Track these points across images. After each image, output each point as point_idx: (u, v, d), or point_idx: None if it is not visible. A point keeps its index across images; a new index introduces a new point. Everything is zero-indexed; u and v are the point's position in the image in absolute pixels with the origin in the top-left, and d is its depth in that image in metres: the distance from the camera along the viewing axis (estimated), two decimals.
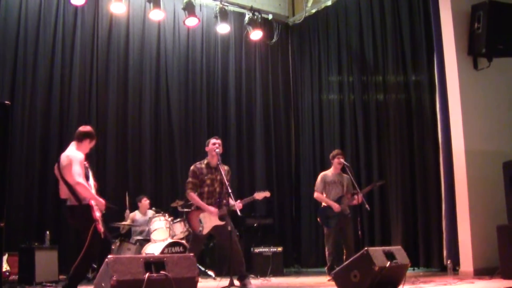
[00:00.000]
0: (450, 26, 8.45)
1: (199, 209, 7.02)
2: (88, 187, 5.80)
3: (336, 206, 8.25)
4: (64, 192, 5.94)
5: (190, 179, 7.07)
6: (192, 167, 7.14)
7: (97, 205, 5.83)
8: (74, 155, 5.89)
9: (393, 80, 10.45)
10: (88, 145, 6.16)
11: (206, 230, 6.93)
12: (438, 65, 8.94)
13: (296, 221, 12.22)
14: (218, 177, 7.09)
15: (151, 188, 10.65)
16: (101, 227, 5.78)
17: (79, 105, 10.22)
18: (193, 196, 7.00)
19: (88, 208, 5.75)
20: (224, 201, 7.04)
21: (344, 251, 8.24)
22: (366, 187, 8.69)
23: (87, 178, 5.96)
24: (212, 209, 6.93)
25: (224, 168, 7.03)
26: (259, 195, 7.24)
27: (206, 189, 7.06)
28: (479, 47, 8.23)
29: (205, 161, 7.17)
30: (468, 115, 8.25)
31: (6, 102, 3.44)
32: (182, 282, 4.66)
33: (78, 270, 5.75)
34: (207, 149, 7.19)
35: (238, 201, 6.88)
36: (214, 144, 7.09)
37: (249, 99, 12.34)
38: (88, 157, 6.20)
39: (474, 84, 8.41)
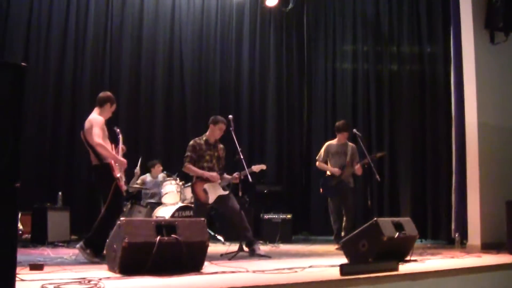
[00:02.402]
0: None
1: (201, 180, 7.06)
2: (107, 147, 6.07)
3: (335, 170, 8.34)
4: (91, 156, 6.21)
5: (189, 153, 7.07)
6: (191, 142, 7.16)
7: (119, 165, 6.13)
8: (94, 118, 6.18)
9: (408, 50, 10.41)
10: (109, 109, 6.40)
11: (211, 199, 7.01)
12: (454, 37, 8.85)
13: (306, 189, 12.27)
14: (216, 154, 7.17)
15: (163, 152, 10.71)
16: (123, 185, 6.14)
17: (92, 69, 10.28)
18: (191, 167, 7.03)
19: (108, 166, 6.04)
20: (223, 174, 7.16)
21: (344, 218, 8.33)
22: (365, 159, 8.41)
23: (116, 142, 6.43)
24: (214, 174, 7.01)
25: (220, 146, 7.21)
26: (255, 167, 7.25)
27: (205, 164, 7.10)
28: (497, 21, 8.13)
29: (204, 138, 7.19)
30: (482, 88, 8.19)
31: (22, 63, 3.45)
32: (193, 246, 4.73)
33: (100, 227, 5.97)
34: (210, 125, 7.18)
35: (236, 174, 6.99)
36: (220, 130, 7.14)
37: (263, 67, 12.27)
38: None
39: (490, 58, 8.32)
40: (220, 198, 7.04)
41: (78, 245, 5.99)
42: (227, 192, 7.03)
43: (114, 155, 6.13)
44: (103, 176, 6.11)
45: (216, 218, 9.89)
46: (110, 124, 6.62)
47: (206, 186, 7.02)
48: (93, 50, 10.33)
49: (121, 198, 6.28)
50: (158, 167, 9.80)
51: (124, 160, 6.26)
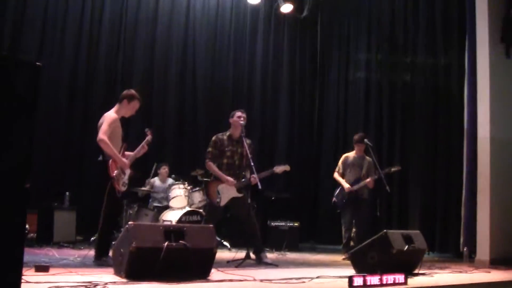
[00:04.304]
0: (485, 11, 8.25)
1: (217, 180, 6.95)
2: (110, 145, 5.90)
3: (346, 187, 8.29)
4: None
5: (210, 149, 6.99)
6: (213, 137, 7.06)
7: (119, 165, 5.98)
8: (107, 115, 6.11)
9: (422, 62, 10.33)
10: (126, 106, 6.27)
11: (223, 201, 6.87)
12: (469, 50, 8.79)
13: (314, 197, 12.19)
14: (239, 150, 7.00)
15: (173, 156, 10.66)
16: (118, 186, 5.93)
17: (105, 69, 10.34)
18: (211, 166, 6.94)
19: (106, 164, 5.92)
20: (244, 173, 7.00)
21: (354, 230, 8.27)
22: (383, 171, 8.48)
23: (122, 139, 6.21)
24: (230, 179, 6.85)
25: (247, 142, 6.91)
26: (279, 169, 7.13)
27: (225, 160, 6.98)
28: None
29: (228, 133, 7.09)
30: (496, 103, 8.10)
31: (38, 63, 3.42)
32: (200, 253, 4.70)
33: (101, 230, 5.95)
34: (231, 120, 7.09)
35: (254, 175, 6.74)
36: (239, 117, 6.99)
37: (275, 72, 12.24)
38: None
39: (504, 72, 8.24)
40: (233, 200, 6.91)
41: (94, 263, 5.82)
42: (241, 195, 6.87)
43: (116, 154, 5.95)
44: (103, 173, 5.98)
45: (223, 223, 9.81)
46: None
47: (220, 187, 6.88)
48: (107, 51, 10.40)
49: (115, 198, 5.97)
50: (164, 169, 9.71)
51: (125, 162, 6.09)
